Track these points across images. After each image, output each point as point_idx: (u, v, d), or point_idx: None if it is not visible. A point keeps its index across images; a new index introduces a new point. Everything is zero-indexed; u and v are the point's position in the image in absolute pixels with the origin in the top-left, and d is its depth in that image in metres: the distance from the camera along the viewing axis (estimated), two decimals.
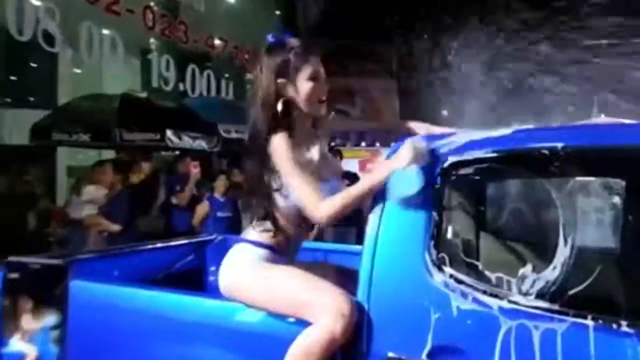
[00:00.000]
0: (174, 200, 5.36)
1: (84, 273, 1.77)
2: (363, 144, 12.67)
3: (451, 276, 1.31)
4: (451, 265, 1.33)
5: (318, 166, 1.55)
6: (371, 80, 13.70)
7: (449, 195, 1.41)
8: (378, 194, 1.44)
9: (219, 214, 4.86)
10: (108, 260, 2.13)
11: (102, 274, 1.87)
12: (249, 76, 11.78)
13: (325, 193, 1.46)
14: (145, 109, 5.90)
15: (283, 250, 1.59)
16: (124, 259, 2.20)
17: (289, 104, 1.54)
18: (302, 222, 1.57)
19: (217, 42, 9.14)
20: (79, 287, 1.72)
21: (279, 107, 1.52)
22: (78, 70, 8.32)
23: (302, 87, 1.53)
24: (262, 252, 1.54)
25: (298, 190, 1.46)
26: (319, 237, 5.30)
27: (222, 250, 1.65)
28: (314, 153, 1.57)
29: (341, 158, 5.23)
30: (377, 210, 1.44)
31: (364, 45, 13.24)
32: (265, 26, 11.56)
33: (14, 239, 3.54)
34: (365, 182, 1.44)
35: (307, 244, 3.23)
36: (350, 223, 5.49)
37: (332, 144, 5.82)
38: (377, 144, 12.83)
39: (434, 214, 1.36)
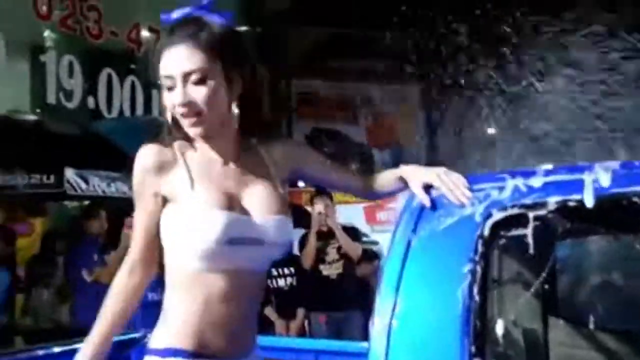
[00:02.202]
0: (86, 277, 5.33)
1: None
2: None
3: None
4: None
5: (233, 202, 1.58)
6: (381, 85, 13.79)
7: (496, 269, 1.42)
8: (391, 263, 1.46)
9: (151, 297, 4.83)
10: None
11: None
12: None
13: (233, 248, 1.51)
14: (34, 138, 5.92)
15: (220, 352, 1.57)
16: None
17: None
18: (234, 294, 1.57)
19: (145, 34, 9.26)
20: None
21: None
22: None
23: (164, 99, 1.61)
24: None
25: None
26: (305, 331, 5.30)
27: None
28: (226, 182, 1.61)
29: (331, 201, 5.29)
30: (387, 291, 1.45)
31: (370, 34, 13.42)
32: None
33: None
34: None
35: (289, 341, 3.23)
36: (351, 305, 5.48)
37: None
38: None
39: (476, 299, 1.36)
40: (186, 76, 1.53)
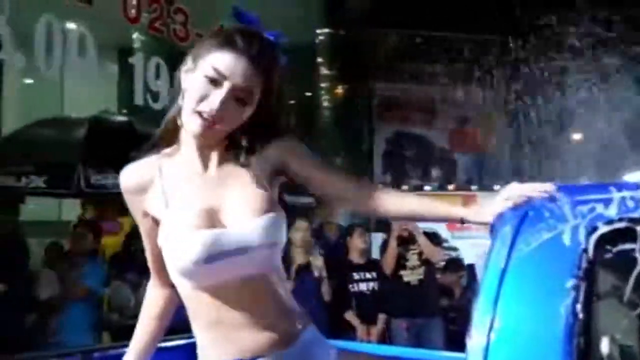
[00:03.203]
0: None
1: None
2: (451, 185, 12.55)
3: None
4: None
5: (212, 209, 1.55)
6: (465, 88, 13.58)
7: (601, 285, 1.38)
8: (489, 276, 1.43)
9: None
10: None
11: None
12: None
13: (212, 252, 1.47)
14: (124, 138, 6.10)
15: (257, 351, 1.56)
16: None
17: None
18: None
19: None
20: None
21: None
22: (30, 81, 8.76)
23: (190, 81, 1.55)
24: None
25: None
26: (385, 338, 5.27)
27: None
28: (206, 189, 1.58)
29: None
30: (485, 305, 1.42)
31: (453, 36, 13.25)
32: (301, 12, 11.90)
33: None
34: None
35: (369, 348, 3.23)
36: (432, 312, 5.42)
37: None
38: (474, 186, 12.66)
39: (579, 316, 1.33)
40: (236, 88, 1.51)
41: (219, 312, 1.53)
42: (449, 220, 1.66)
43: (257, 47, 1.52)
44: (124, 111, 8.43)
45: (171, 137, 1.62)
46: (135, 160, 1.65)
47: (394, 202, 1.63)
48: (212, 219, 1.52)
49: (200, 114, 1.50)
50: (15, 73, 8.19)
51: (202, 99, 1.50)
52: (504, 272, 1.41)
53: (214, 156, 1.60)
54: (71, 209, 7.52)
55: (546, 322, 1.35)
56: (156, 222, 1.60)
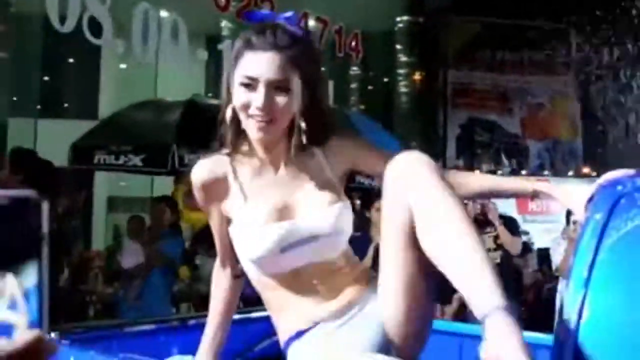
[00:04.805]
0: None
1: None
2: (523, 171, 12.35)
3: None
4: None
5: (283, 207, 1.60)
6: (538, 76, 13.30)
7: None
8: (580, 259, 1.42)
9: None
10: (153, 336, 2.28)
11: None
12: (354, 71, 12.06)
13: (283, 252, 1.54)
14: (215, 120, 6.27)
15: (327, 318, 1.61)
16: (178, 334, 2.31)
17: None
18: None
19: (312, 23, 9.45)
20: None
21: (227, 114, 1.60)
22: (126, 66, 9.06)
23: (234, 91, 1.58)
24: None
25: None
26: (460, 315, 5.25)
27: None
28: (277, 189, 1.62)
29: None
30: (576, 288, 1.41)
31: (526, 24, 12.98)
32: (382, 0, 11.84)
33: None
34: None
35: (443, 325, 3.22)
36: (508, 295, 5.34)
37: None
38: (546, 172, 12.42)
39: None
40: (271, 83, 1.53)
41: (289, 293, 1.61)
42: (522, 195, 1.71)
43: (272, 37, 1.53)
44: (211, 95, 8.62)
45: (239, 139, 1.65)
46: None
47: (461, 182, 1.64)
48: (285, 214, 1.59)
49: (252, 118, 1.54)
50: (113, 59, 8.49)
51: (248, 105, 1.53)
52: (594, 258, 1.37)
53: (281, 154, 1.65)
54: (162, 186, 7.78)
55: (638, 309, 1.31)
56: (224, 215, 1.68)
